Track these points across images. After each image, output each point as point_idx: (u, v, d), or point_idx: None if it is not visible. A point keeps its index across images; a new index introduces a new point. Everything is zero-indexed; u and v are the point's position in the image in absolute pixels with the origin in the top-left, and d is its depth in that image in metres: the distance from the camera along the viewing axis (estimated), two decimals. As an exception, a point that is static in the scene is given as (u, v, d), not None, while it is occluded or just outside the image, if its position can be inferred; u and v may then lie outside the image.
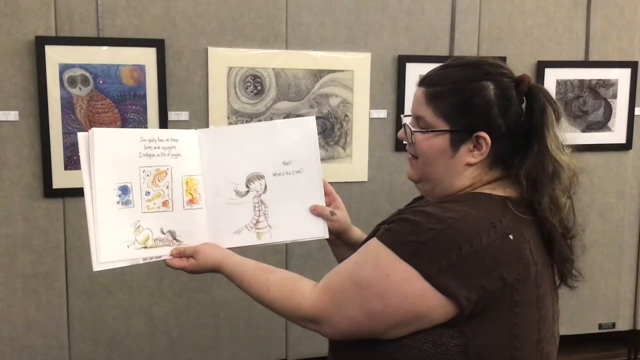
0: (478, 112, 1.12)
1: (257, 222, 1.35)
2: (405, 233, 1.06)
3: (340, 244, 1.44)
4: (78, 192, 2.39)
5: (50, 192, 2.38)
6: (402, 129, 1.22)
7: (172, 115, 2.48)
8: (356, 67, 2.64)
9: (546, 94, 1.16)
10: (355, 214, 2.65)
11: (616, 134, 2.98)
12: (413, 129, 1.17)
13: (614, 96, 2.96)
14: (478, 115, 1.12)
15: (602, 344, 3.22)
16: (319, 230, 1.38)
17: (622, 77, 2.95)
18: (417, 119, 1.18)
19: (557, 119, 1.14)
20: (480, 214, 1.07)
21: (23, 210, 2.39)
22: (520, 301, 1.06)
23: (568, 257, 1.18)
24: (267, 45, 2.55)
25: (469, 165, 1.15)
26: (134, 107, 2.44)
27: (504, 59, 2.79)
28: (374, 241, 1.10)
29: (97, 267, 1.24)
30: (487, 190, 1.15)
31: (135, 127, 2.43)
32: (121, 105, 2.42)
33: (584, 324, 3.06)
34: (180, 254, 1.32)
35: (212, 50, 2.49)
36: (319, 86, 2.61)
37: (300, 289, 1.17)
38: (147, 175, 1.28)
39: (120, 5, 2.39)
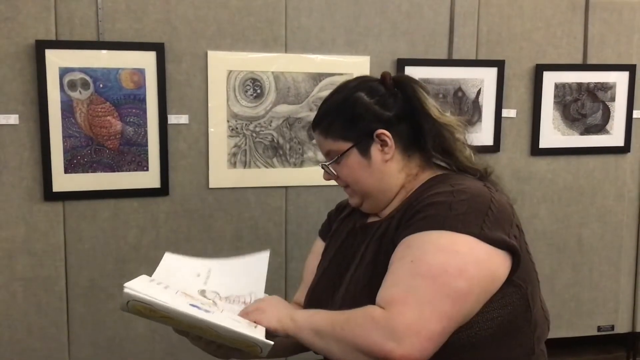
0: (364, 117, 1.26)
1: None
2: (444, 212, 1.12)
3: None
4: (78, 196, 2.42)
5: (50, 195, 2.39)
6: (324, 173, 1.34)
7: (172, 119, 2.48)
8: (355, 70, 2.65)
9: (409, 77, 1.32)
10: (355, 216, 2.66)
11: (614, 137, 2.99)
12: (327, 163, 1.30)
13: (612, 99, 2.97)
14: (366, 120, 1.26)
15: (601, 347, 3.22)
16: None
17: (620, 80, 2.96)
18: (328, 155, 1.31)
19: (427, 92, 1.29)
20: (469, 181, 1.21)
21: (23, 213, 2.39)
22: (525, 242, 1.21)
23: None
24: (267, 49, 2.56)
25: (388, 161, 1.26)
26: (133, 110, 2.44)
27: (502, 62, 2.80)
28: (415, 236, 1.12)
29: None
30: (432, 174, 1.27)
31: (135, 131, 2.44)
32: (121, 108, 2.43)
33: (583, 326, 3.06)
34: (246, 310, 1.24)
35: (211, 54, 2.50)
36: (318, 89, 2.62)
37: (369, 312, 1.08)
38: (182, 295, 1.23)
39: (121, 9, 2.40)
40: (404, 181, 1.27)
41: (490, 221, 1.11)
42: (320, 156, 2.65)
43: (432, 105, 1.27)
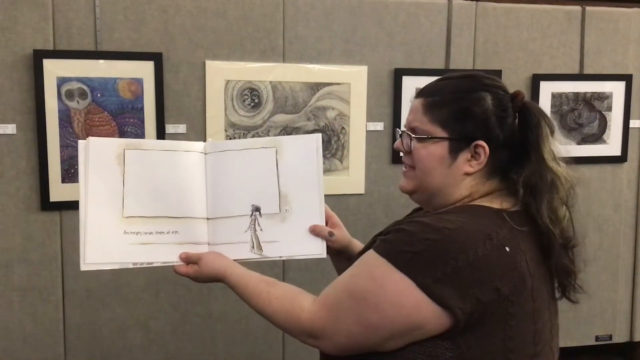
0: (477, 121, 1.14)
1: (253, 236, 1.36)
2: (401, 243, 1.06)
3: (342, 259, 1.44)
4: (75, 205, 2.39)
5: (47, 205, 2.38)
6: (399, 140, 1.23)
7: (170, 128, 2.48)
8: (353, 80, 2.66)
9: (540, 109, 1.19)
10: (352, 226, 2.64)
11: (611, 146, 3.00)
12: (413, 136, 1.18)
13: (609, 109, 2.98)
14: (477, 124, 1.14)
15: (599, 356, 3.21)
16: (316, 249, 1.36)
17: (616, 90, 2.97)
18: (413, 129, 1.19)
19: (551, 132, 1.18)
20: (476, 225, 1.07)
21: (20, 223, 2.39)
22: (515, 314, 1.06)
23: (569, 269, 1.18)
24: (264, 59, 2.57)
25: (467, 174, 1.16)
26: (131, 120, 2.44)
27: (499, 72, 2.81)
28: (370, 252, 1.11)
29: None
30: (484, 202, 1.15)
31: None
32: (119, 118, 2.43)
33: (581, 336, 3.06)
34: (187, 260, 1.33)
35: (209, 64, 2.51)
36: (315, 99, 2.63)
37: (300, 303, 1.17)
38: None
39: (119, 19, 2.41)
40: (463, 196, 1.17)
41: (446, 274, 1.01)
42: (318, 166, 2.65)
43: (549, 148, 1.16)
